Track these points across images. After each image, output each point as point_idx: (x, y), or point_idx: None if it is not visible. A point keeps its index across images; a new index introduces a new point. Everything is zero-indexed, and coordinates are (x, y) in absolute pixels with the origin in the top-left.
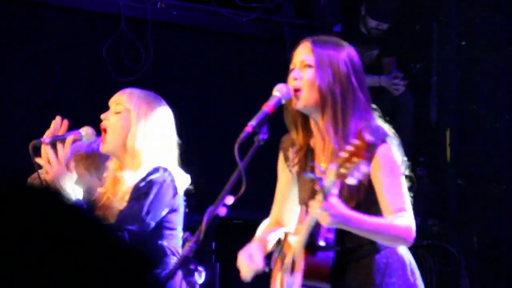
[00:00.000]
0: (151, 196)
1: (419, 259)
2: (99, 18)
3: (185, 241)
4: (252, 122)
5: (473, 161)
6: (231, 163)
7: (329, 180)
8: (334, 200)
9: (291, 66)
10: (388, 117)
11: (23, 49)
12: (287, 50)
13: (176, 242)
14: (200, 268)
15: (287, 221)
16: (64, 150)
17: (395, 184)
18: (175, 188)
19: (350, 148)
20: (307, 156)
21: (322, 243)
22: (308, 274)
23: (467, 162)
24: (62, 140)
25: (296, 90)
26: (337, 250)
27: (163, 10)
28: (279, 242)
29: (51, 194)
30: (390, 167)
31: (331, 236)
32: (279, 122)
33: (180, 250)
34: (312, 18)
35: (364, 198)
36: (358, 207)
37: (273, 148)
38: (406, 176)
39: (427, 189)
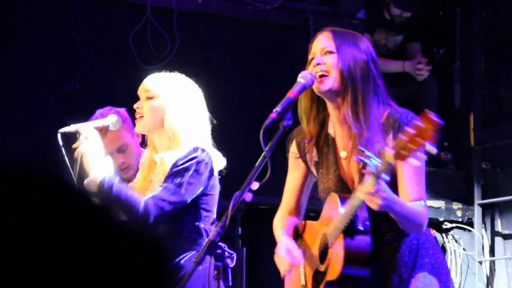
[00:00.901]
0: (190, 172)
1: (443, 243)
2: (126, 7)
3: (211, 225)
4: (277, 108)
5: (496, 145)
6: (256, 149)
7: (384, 163)
8: (384, 184)
9: (310, 56)
10: (412, 102)
11: (51, 38)
12: (311, 37)
13: (210, 224)
14: (231, 252)
15: (301, 212)
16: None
17: (416, 173)
18: (212, 169)
19: (411, 130)
20: (328, 144)
21: (361, 227)
22: (348, 259)
23: (490, 146)
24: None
25: (321, 76)
26: (377, 239)
27: None
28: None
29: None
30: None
31: (367, 221)
32: None
33: None
34: (335, 5)
35: (391, 183)
36: None
37: None
38: (430, 160)
39: (451, 173)
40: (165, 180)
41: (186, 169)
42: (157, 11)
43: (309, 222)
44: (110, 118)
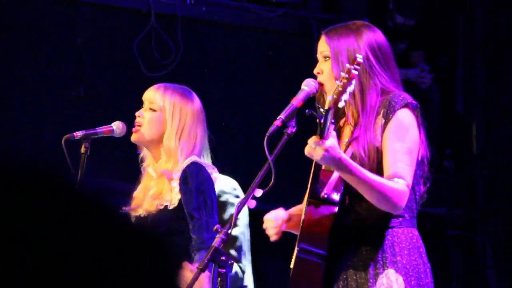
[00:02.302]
0: (206, 194)
1: (445, 250)
2: (130, 14)
3: (215, 233)
4: (281, 116)
5: (499, 152)
6: (260, 156)
7: (326, 110)
8: (332, 140)
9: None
10: None
11: (56, 44)
12: (315, 45)
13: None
14: (230, 260)
15: None
16: None
17: (400, 150)
18: (212, 182)
19: (343, 74)
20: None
21: (325, 196)
22: (307, 226)
23: (493, 154)
24: (94, 134)
25: (321, 84)
26: (344, 213)
27: (192, 6)
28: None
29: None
30: (402, 132)
31: (336, 192)
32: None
33: None
34: (339, 12)
35: (379, 168)
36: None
37: (301, 141)
38: (432, 167)
39: (454, 181)
40: (193, 214)
41: (205, 201)
42: (161, 18)
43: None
44: (115, 124)
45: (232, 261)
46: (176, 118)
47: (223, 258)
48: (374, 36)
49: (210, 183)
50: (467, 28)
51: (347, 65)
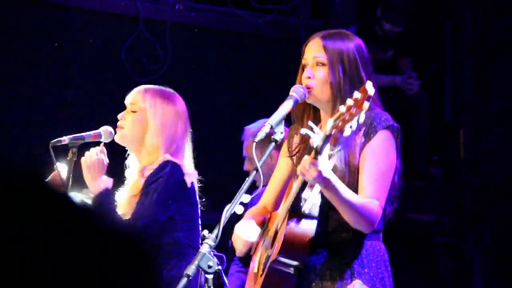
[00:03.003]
0: (159, 192)
1: (433, 256)
2: (118, 19)
3: (203, 238)
4: (270, 122)
5: (487, 159)
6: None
7: (323, 135)
8: (325, 160)
9: (303, 61)
10: (403, 116)
11: (44, 49)
12: (302, 49)
13: (193, 233)
14: (219, 255)
15: (275, 208)
16: (98, 157)
17: (378, 172)
18: (184, 182)
19: (350, 101)
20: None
21: (305, 211)
22: (289, 239)
23: (481, 161)
24: (81, 139)
25: (309, 88)
26: (322, 227)
27: (181, 12)
28: (263, 225)
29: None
30: (380, 154)
31: (316, 207)
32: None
33: (199, 242)
34: (327, 19)
35: (356, 181)
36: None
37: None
38: (419, 174)
39: (441, 187)
40: (138, 200)
41: (155, 189)
42: (150, 24)
43: (276, 212)
44: (103, 130)
45: (220, 267)
46: (157, 116)
47: (210, 263)
48: (362, 45)
49: (173, 184)
50: (455, 35)
51: (357, 93)
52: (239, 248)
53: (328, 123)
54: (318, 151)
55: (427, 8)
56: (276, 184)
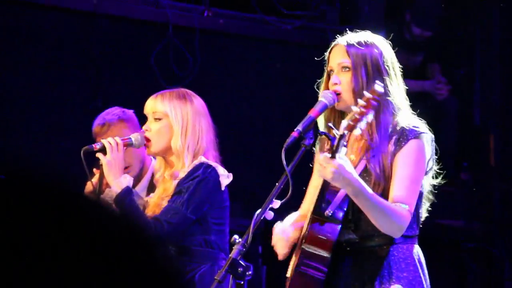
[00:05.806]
0: (192, 191)
1: (462, 262)
2: (148, 26)
3: (233, 244)
4: (299, 127)
5: None
6: (278, 168)
7: (338, 135)
8: (343, 160)
9: (328, 68)
10: (432, 122)
11: (75, 56)
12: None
13: (223, 237)
14: (248, 264)
15: None
16: (119, 154)
17: (408, 178)
18: (218, 184)
19: (361, 102)
20: None
21: (329, 213)
22: (311, 241)
23: (511, 166)
24: None
25: (337, 94)
26: (350, 236)
27: (210, 19)
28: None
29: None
30: (412, 162)
31: (340, 211)
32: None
33: (227, 247)
34: (356, 24)
35: (388, 186)
36: (382, 196)
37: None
38: (449, 181)
39: (471, 193)
40: (170, 199)
41: (187, 188)
42: (179, 31)
43: None
44: (134, 136)
45: (250, 265)
46: (179, 118)
47: (241, 269)
48: (389, 51)
49: (207, 185)
50: (484, 40)
51: (366, 93)
52: (281, 250)
53: (342, 124)
54: (334, 150)
55: (456, 13)
56: (313, 191)
